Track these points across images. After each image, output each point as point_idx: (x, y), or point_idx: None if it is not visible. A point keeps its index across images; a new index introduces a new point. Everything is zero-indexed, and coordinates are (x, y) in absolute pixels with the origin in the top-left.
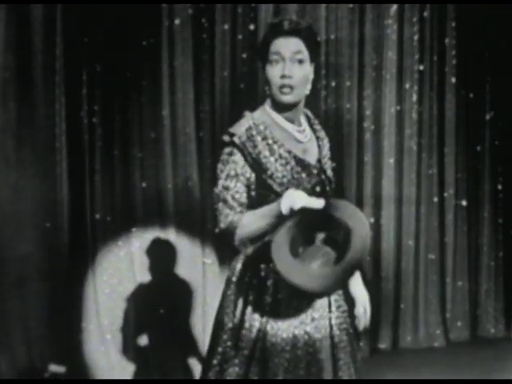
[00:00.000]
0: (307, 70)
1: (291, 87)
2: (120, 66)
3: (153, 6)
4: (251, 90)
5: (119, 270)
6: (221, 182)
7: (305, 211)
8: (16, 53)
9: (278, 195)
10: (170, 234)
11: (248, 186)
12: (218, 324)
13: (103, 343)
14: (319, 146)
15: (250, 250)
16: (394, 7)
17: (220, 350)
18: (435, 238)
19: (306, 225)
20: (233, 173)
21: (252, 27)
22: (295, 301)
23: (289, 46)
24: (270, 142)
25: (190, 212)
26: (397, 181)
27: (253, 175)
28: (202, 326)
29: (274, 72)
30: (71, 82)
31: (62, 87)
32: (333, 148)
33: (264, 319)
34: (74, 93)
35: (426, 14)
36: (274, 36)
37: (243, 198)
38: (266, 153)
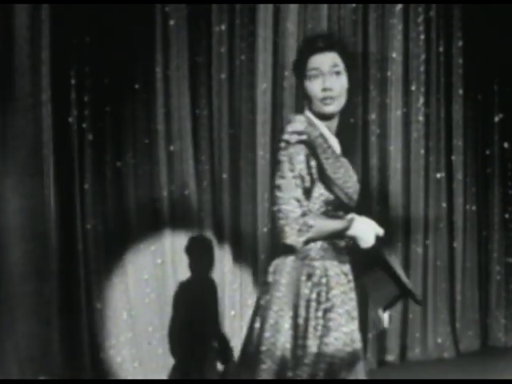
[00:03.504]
0: (344, 81)
1: (332, 98)
2: (111, 68)
3: (146, 5)
4: (250, 92)
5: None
6: (293, 181)
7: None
8: None
9: (336, 197)
10: (166, 245)
11: (312, 184)
12: (274, 327)
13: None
14: None
15: (302, 250)
16: (399, 6)
17: (279, 353)
18: (444, 245)
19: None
20: (304, 172)
21: (251, 28)
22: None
23: (327, 61)
24: (325, 146)
25: (187, 221)
26: (404, 185)
27: (315, 175)
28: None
29: (314, 86)
30: (59, 86)
31: (49, 92)
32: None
33: (322, 331)
34: (61, 97)
35: (431, 13)
36: (310, 53)
37: (309, 197)
38: (325, 155)
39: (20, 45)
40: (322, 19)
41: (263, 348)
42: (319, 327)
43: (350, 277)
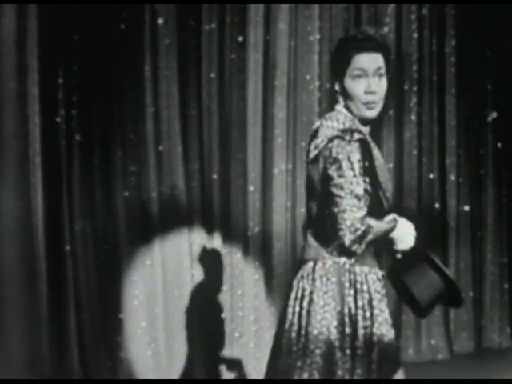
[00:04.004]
0: (385, 84)
1: (375, 102)
2: (100, 67)
3: (135, 4)
4: (241, 92)
5: None
6: (354, 180)
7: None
8: None
9: (378, 197)
10: (155, 246)
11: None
12: (317, 338)
13: None
14: None
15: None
16: (392, 5)
17: (326, 366)
18: (437, 245)
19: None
20: (362, 171)
21: (241, 26)
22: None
23: (373, 62)
24: (373, 145)
25: (177, 222)
26: (397, 186)
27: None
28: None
29: (358, 87)
30: (46, 86)
31: (37, 91)
32: None
33: (370, 341)
34: (49, 97)
35: (424, 11)
36: (356, 51)
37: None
38: (374, 156)
39: (8, 44)
40: (314, 18)
41: (308, 361)
42: (367, 336)
43: (383, 282)
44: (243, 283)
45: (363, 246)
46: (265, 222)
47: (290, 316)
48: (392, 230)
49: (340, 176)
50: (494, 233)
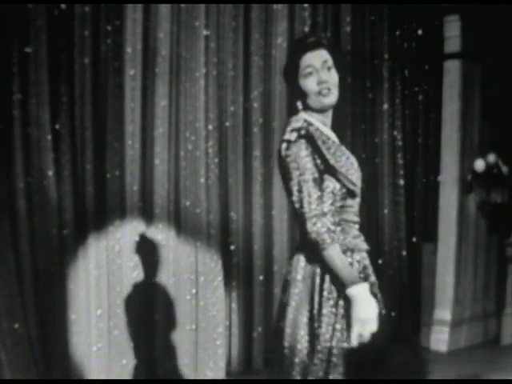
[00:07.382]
0: (335, 75)
1: (329, 89)
2: None
3: None
4: (117, 79)
5: None
6: (301, 178)
7: None
8: None
9: (342, 185)
10: (23, 240)
11: (320, 176)
12: (294, 322)
13: None
14: None
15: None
16: None
17: (299, 347)
18: None
19: None
20: (309, 165)
21: (118, 9)
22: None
23: (318, 57)
24: (325, 138)
25: (45, 215)
26: None
27: (321, 166)
28: None
29: (310, 82)
30: None
31: None
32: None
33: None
34: None
35: None
36: (302, 52)
37: (321, 189)
38: (326, 145)
39: None
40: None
41: (286, 344)
42: (336, 319)
43: (366, 262)
44: (121, 280)
45: (332, 236)
46: (145, 217)
47: (280, 308)
48: (352, 279)
49: (289, 179)
50: (391, 224)
